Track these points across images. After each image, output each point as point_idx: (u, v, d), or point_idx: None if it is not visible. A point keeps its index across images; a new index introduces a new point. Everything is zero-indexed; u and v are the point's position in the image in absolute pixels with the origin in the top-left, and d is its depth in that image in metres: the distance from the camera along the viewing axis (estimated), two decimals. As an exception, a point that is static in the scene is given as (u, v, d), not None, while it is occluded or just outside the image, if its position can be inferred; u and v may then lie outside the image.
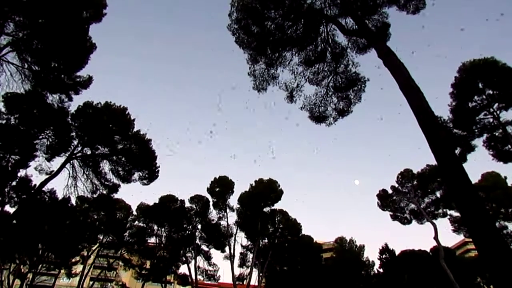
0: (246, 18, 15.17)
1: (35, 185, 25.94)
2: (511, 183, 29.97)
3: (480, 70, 20.83)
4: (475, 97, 21.55)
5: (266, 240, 39.42)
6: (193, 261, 37.44)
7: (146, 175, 26.02)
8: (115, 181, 25.48)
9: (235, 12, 15.21)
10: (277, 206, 39.02)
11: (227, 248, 37.49)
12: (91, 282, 43.54)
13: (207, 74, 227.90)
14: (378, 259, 42.59)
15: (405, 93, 9.13)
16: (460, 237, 58.23)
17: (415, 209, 32.12)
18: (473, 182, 7.15)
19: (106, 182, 25.24)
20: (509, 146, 21.44)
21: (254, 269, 37.64)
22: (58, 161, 23.21)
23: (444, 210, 31.57)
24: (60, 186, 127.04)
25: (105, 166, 25.22)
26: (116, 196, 27.67)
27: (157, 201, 38.28)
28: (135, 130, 25.35)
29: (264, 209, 38.01)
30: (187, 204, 38.79)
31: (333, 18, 14.68)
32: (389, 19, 15.34)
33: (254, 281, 39.47)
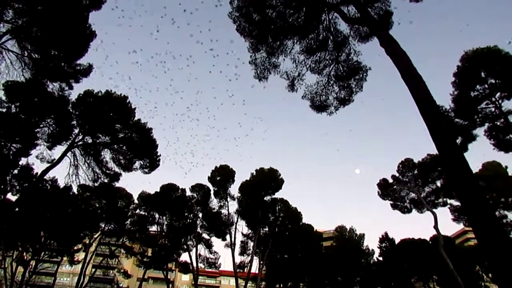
0: (247, 6, 15.02)
1: (36, 173, 26.13)
2: (512, 173, 29.96)
3: (483, 59, 20.65)
4: (477, 86, 21.41)
5: (267, 229, 39.53)
6: (194, 249, 37.71)
7: (147, 164, 26.11)
8: (116, 169, 25.57)
9: (236, 0, 15.07)
10: (277, 195, 39.05)
11: (228, 237, 37.76)
12: (93, 270, 43.86)
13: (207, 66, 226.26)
14: (378, 247, 42.93)
15: (407, 81, 9.05)
16: (459, 226, 58.58)
17: (416, 198, 32.22)
18: (474, 172, 7.14)
19: (107, 171, 25.31)
20: (511, 135, 21.38)
21: (254, 257, 37.92)
22: (60, 149, 23.23)
23: (444, 199, 31.73)
24: (61, 174, 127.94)
25: (106, 155, 25.30)
26: (117, 184, 27.79)
27: (158, 190, 38.48)
28: (136, 119, 25.37)
29: (265, 198, 38.05)
30: (188, 193, 38.93)
31: (335, 5, 14.49)
32: (392, 7, 15.19)
33: (254, 269, 39.97)
